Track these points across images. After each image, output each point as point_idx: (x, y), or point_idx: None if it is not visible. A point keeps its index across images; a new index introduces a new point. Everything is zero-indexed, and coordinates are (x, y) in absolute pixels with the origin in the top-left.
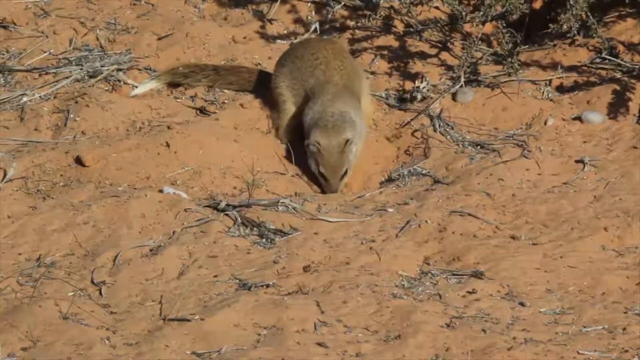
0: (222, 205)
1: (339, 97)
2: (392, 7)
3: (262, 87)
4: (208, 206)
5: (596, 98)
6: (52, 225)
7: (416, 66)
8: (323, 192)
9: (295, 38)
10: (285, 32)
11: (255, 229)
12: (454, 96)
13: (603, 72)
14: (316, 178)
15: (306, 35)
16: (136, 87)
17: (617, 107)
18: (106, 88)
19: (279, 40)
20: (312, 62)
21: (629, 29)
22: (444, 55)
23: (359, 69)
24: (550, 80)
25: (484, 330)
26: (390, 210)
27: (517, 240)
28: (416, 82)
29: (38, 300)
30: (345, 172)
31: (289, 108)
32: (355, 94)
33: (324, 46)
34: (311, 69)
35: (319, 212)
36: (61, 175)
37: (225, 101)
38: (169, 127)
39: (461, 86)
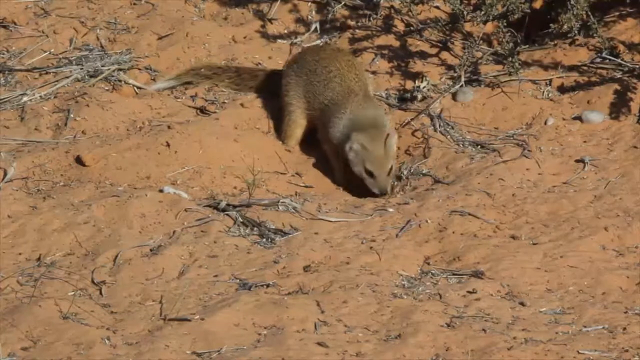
0: (223, 205)
1: (366, 103)
2: (392, 6)
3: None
4: (208, 206)
5: (596, 98)
6: (53, 225)
7: (417, 66)
8: (372, 194)
9: (296, 37)
10: (285, 31)
11: (255, 228)
12: (454, 96)
13: (603, 72)
14: (363, 188)
15: (306, 35)
16: (138, 87)
17: (618, 106)
18: (106, 88)
19: (279, 40)
20: (326, 75)
21: (630, 29)
22: (445, 54)
23: (366, 75)
24: (550, 80)
25: (484, 330)
26: (391, 210)
27: (517, 240)
28: (416, 81)
29: (38, 300)
30: (391, 168)
31: (297, 119)
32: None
33: (335, 57)
34: (326, 82)
35: (319, 211)
36: (61, 175)
37: (226, 101)
38: (169, 127)
39: (461, 86)
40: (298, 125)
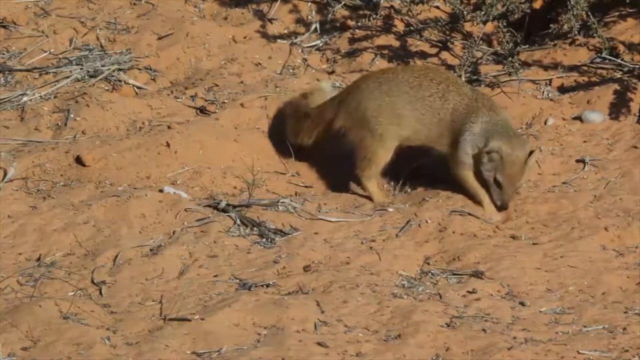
0: (223, 205)
1: (497, 109)
2: (392, 6)
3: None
4: (208, 206)
5: (596, 98)
6: (53, 225)
7: None
8: (493, 204)
9: (296, 37)
10: (285, 31)
11: (255, 228)
12: None
13: (603, 72)
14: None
15: (306, 35)
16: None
17: (618, 106)
18: (106, 88)
19: (279, 40)
20: (436, 87)
21: (630, 29)
22: (445, 54)
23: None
24: (550, 80)
25: (484, 329)
26: (391, 210)
27: (517, 240)
28: None
29: (38, 300)
30: (519, 186)
31: (390, 146)
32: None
33: (432, 69)
34: (441, 93)
35: (319, 211)
36: (61, 175)
37: (226, 101)
38: (169, 127)
39: None
40: (389, 150)
